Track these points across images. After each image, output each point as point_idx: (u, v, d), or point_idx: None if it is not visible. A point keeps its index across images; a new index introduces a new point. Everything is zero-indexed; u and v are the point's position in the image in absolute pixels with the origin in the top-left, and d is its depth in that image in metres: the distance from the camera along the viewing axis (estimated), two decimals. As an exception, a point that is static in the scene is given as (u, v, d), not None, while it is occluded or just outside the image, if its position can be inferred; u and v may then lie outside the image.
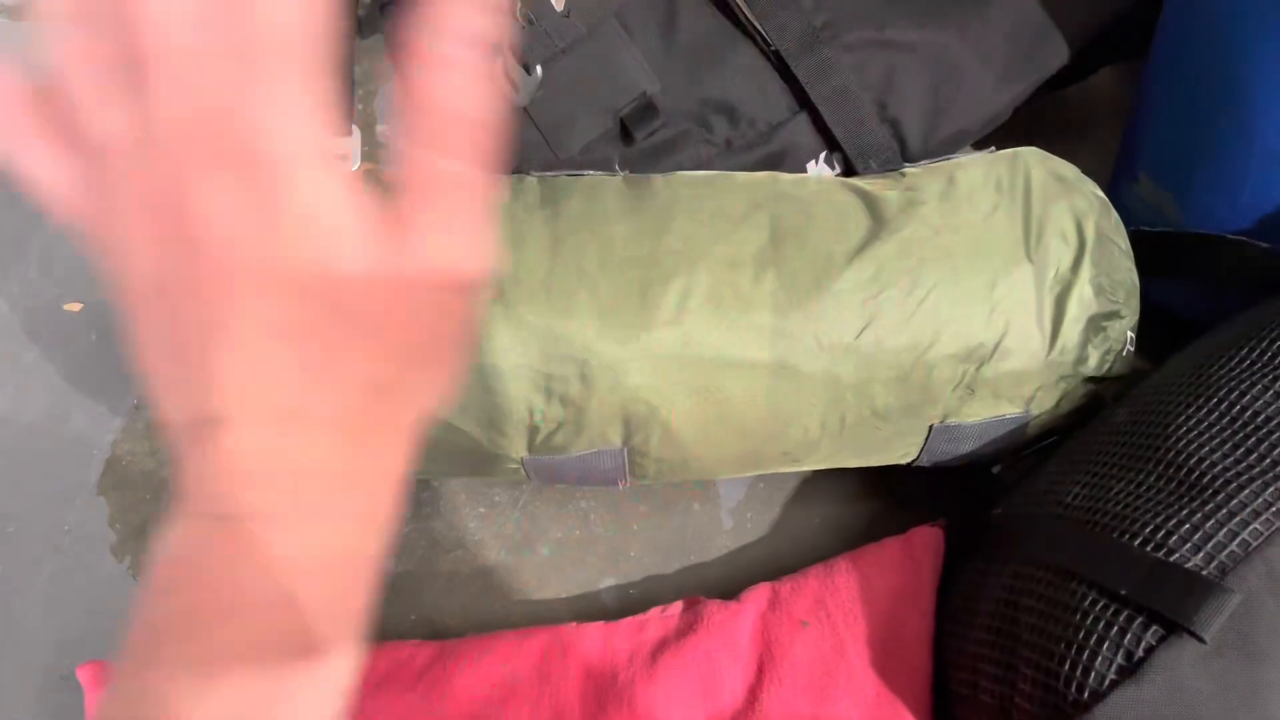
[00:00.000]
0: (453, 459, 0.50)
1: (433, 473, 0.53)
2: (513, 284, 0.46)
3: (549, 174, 0.52)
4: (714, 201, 0.50)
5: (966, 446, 0.52)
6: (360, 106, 0.70)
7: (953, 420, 0.51)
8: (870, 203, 0.50)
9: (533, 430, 0.48)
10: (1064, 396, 0.51)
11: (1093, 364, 0.49)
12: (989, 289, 0.48)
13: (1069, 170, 0.53)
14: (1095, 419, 0.51)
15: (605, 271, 0.47)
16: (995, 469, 0.55)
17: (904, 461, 0.54)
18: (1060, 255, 0.49)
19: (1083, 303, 0.49)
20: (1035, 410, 0.51)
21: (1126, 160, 0.63)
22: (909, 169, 0.53)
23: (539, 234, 0.48)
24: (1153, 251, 0.56)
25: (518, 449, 0.49)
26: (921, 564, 0.52)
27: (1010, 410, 0.50)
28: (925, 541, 0.53)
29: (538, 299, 0.46)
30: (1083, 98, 0.69)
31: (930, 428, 0.51)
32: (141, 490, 0.61)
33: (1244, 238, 0.53)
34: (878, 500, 0.62)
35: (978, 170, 0.51)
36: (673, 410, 0.48)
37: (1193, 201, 0.57)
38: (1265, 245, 0.51)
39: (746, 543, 0.62)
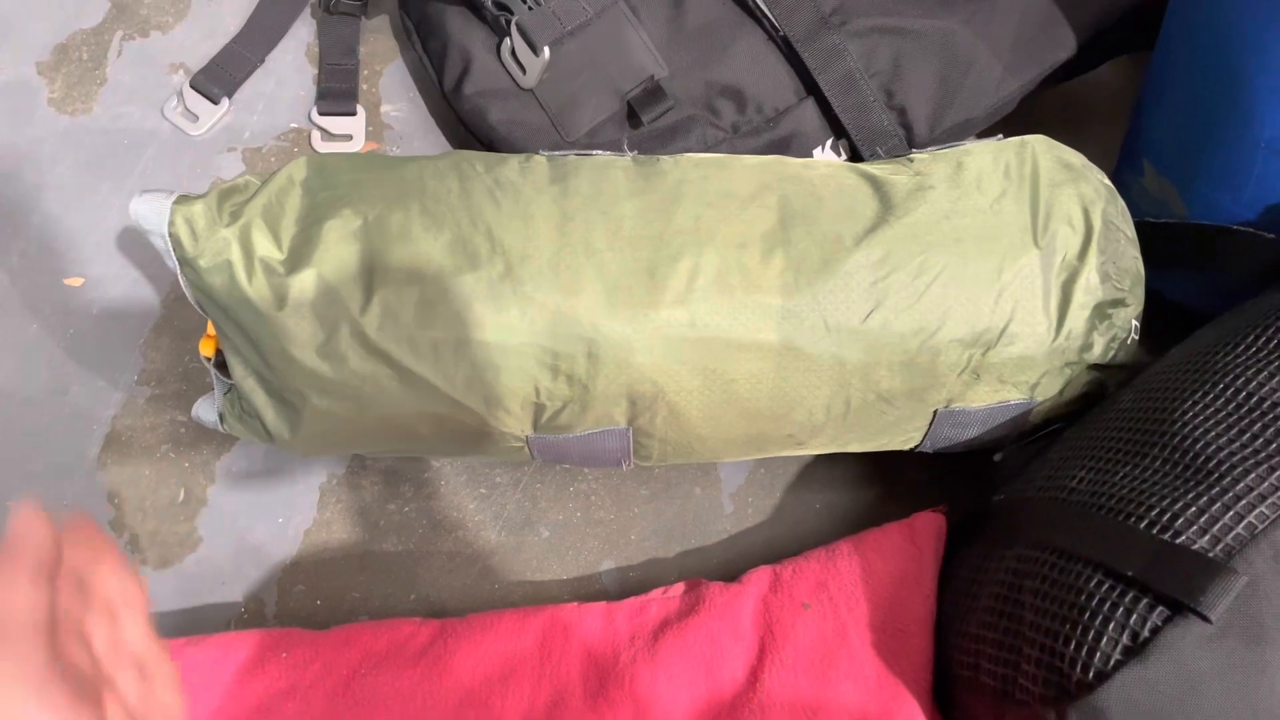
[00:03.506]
0: (457, 437, 0.50)
1: (437, 452, 0.53)
2: (520, 260, 0.46)
3: (558, 153, 0.51)
4: (723, 182, 0.50)
5: (970, 432, 0.53)
6: (365, 87, 0.69)
7: (957, 405, 0.51)
8: (879, 187, 0.50)
9: (538, 409, 0.48)
10: (1068, 384, 0.51)
11: (1098, 351, 0.50)
12: (996, 274, 0.48)
13: (1076, 158, 0.53)
14: (1099, 406, 0.51)
15: (613, 250, 0.47)
16: (997, 456, 0.55)
17: (907, 447, 0.54)
18: (1067, 242, 0.49)
19: (1089, 289, 0.49)
20: (1039, 397, 0.51)
21: (1131, 152, 0.63)
22: (917, 154, 0.53)
23: (547, 211, 0.48)
24: (1157, 243, 0.57)
25: (523, 427, 0.49)
26: (923, 548, 0.52)
27: (1014, 396, 0.51)
28: (927, 526, 0.53)
29: (545, 276, 0.46)
30: (1088, 90, 0.69)
31: (935, 413, 0.51)
32: (141, 465, 0.60)
33: (1248, 229, 0.53)
34: (878, 487, 0.62)
35: (986, 156, 0.51)
36: (679, 390, 0.48)
37: (1197, 193, 0.57)
38: (1270, 236, 0.52)
39: (747, 527, 0.62)
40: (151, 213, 0.47)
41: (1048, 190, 0.50)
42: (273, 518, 0.60)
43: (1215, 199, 0.56)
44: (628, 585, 0.60)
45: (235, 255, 0.46)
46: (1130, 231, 0.52)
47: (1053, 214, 0.49)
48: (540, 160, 0.51)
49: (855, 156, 0.61)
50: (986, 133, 0.63)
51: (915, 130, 0.60)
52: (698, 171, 0.50)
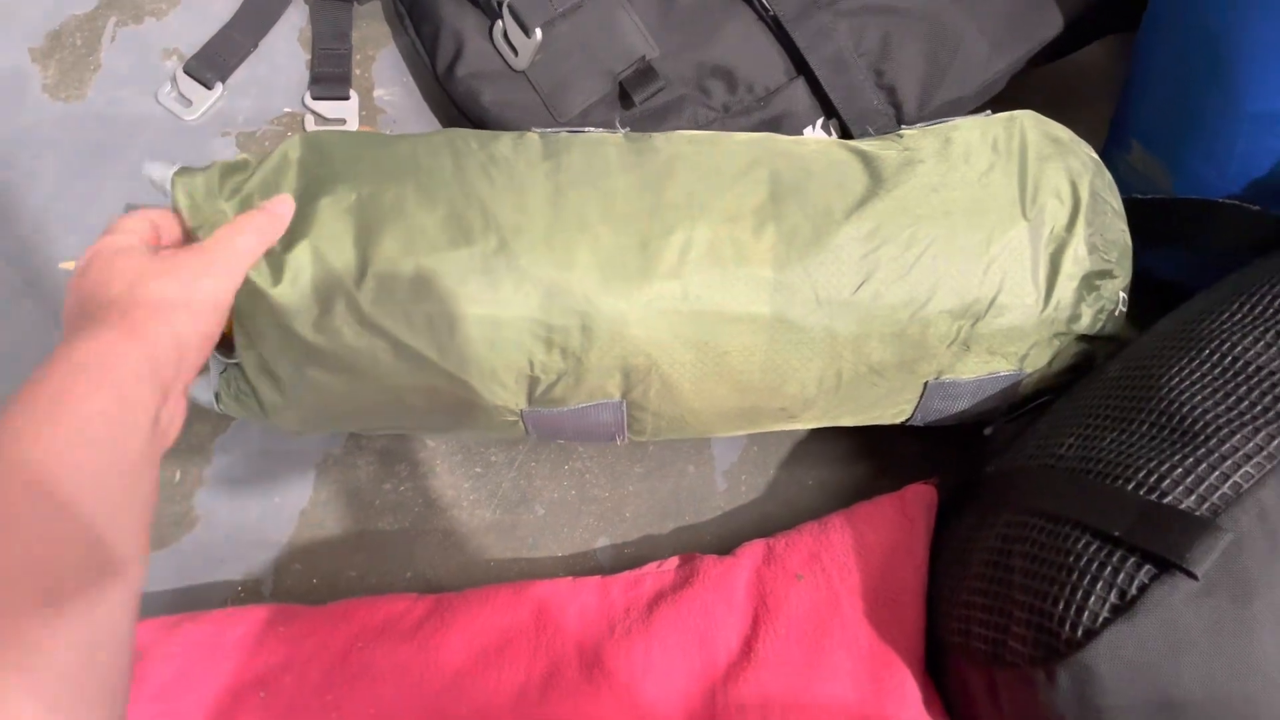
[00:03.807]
0: (452, 411, 0.50)
1: (433, 427, 0.54)
2: (514, 234, 0.46)
3: (550, 130, 0.52)
4: (714, 158, 0.50)
5: (960, 404, 0.53)
6: (358, 71, 0.70)
7: (947, 377, 0.51)
8: (868, 161, 0.51)
9: (532, 381, 0.48)
10: (1057, 354, 0.51)
11: (1086, 322, 0.50)
12: (985, 246, 0.49)
13: (1064, 132, 0.53)
14: (1087, 376, 0.51)
15: (607, 224, 0.47)
16: (987, 430, 0.55)
17: (898, 420, 0.55)
18: (1055, 214, 0.49)
19: (1077, 261, 0.49)
20: (1028, 368, 0.51)
21: (1119, 129, 0.63)
22: (906, 130, 0.53)
23: (540, 186, 0.48)
24: (1145, 219, 0.57)
25: (517, 401, 0.49)
26: (915, 519, 0.53)
27: (1004, 368, 0.51)
28: (918, 497, 0.54)
29: (539, 251, 0.46)
30: (1076, 70, 0.70)
31: (925, 384, 0.52)
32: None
33: (1234, 201, 0.53)
34: (869, 463, 0.63)
35: (974, 131, 0.52)
36: (672, 363, 0.48)
37: (1183, 168, 0.58)
38: (1255, 208, 0.52)
39: (740, 504, 0.62)
40: (164, 180, 0.47)
41: (1036, 164, 0.51)
42: (269, 498, 0.60)
43: (1201, 174, 0.57)
44: (622, 561, 0.60)
45: None
46: (1117, 204, 0.52)
47: (1041, 187, 0.50)
48: (533, 137, 0.51)
49: (846, 136, 0.61)
50: (976, 112, 0.63)
51: (905, 109, 0.60)
52: (690, 147, 0.51)
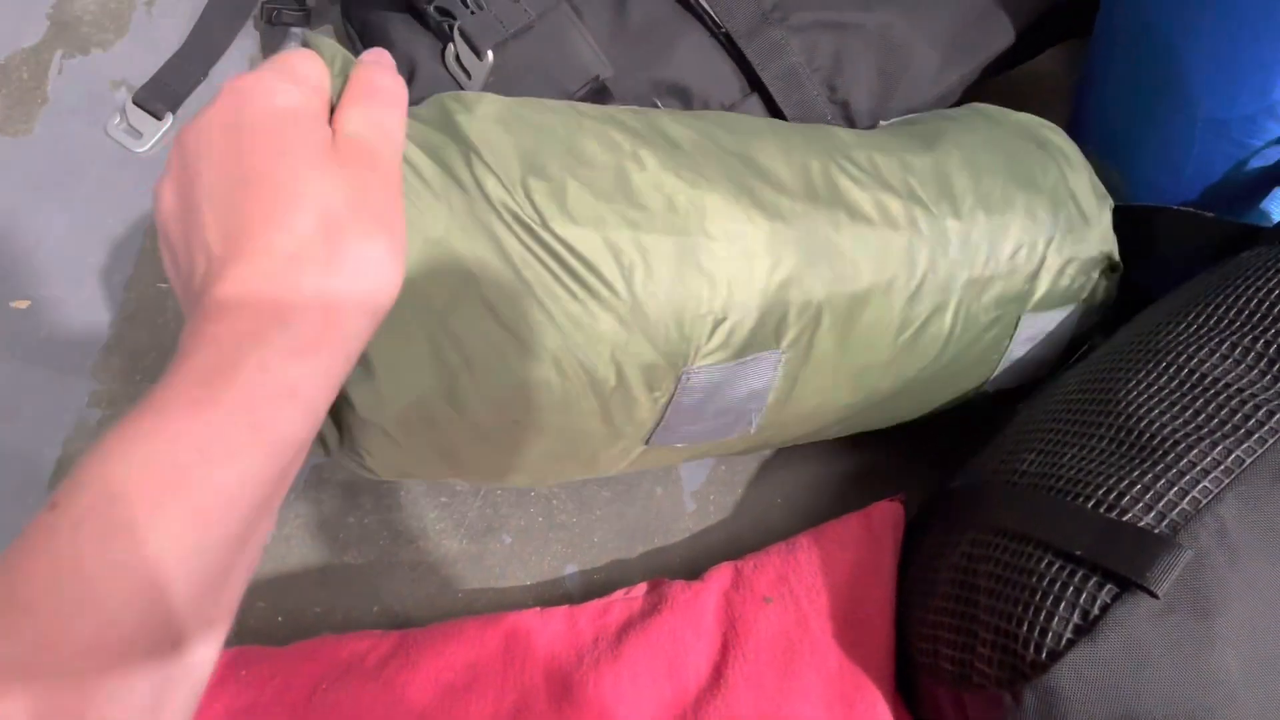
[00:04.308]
0: (578, 395, 0.43)
1: (544, 458, 0.47)
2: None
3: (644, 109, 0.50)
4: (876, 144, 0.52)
5: (1040, 350, 0.56)
6: (311, 98, 0.69)
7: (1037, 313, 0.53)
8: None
9: (718, 321, 0.43)
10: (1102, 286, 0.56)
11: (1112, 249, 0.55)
12: (1037, 182, 0.53)
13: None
14: (1046, 389, 0.51)
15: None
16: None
17: (985, 376, 0.55)
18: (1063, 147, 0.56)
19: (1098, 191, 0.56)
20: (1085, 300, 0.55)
21: (1074, 137, 0.64)
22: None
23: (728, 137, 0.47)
24: (1102, 226, 0.57)
25: (688, 352, 0.43)
26: (882, 538, 0.53)
27: (1071, 301, 0.54)
28: (885, 516, 0.54)
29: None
30: (1030, 78, 0.70)
31: (1018, 318, 0.53)
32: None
33: (1189, 208, 0.54)
34: (836, 480, 0.63)
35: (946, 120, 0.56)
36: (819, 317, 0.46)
37: (1139, 175, 0.58)
38: (1209, 214, 0.52)
39: (709, 525, 0.62)
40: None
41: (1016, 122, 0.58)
42: (231, 535, 0.59)
43: (1156, 180, 0.57)
44: (592, 588, 0.60)
45: None
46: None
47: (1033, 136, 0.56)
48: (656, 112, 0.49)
49: (802, 151, 0.61)
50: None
51: (858, 124, 0.60)
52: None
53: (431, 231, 0.38)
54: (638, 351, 0.42)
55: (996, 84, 0.66)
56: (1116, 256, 0.55)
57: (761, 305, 0.44)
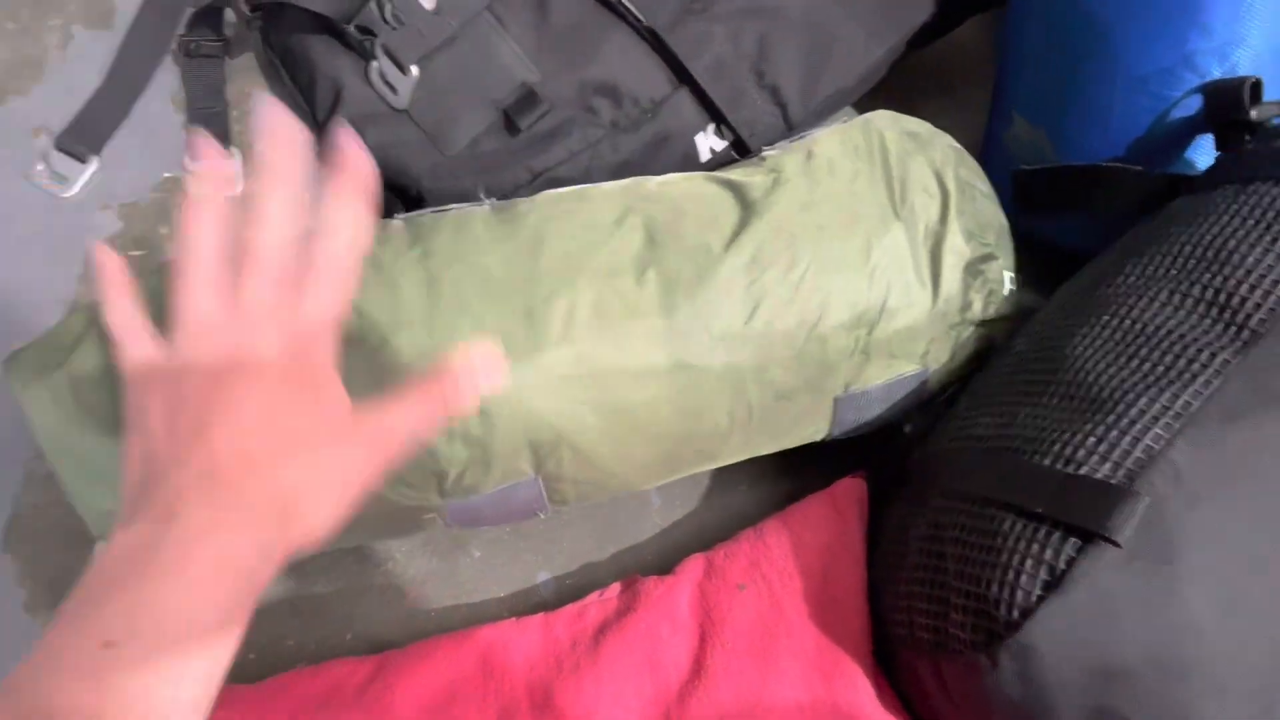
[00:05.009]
0: (372, 524, 0.48)
1: (362, 537, 0.52)
2: (393, 331, 0.45)
3: (413, 214, 0.50)
4: (583, 214, 0.49)
5: (873, 411, 0.53)
6: (238, 128, 0.68)
7: (855, 388, 0.51)
8: (736, 190, 0.51)
9: (440, 476, 0.47)
10: (958, 346, 0.52)
11: (977, 309, 0.51)
12: (865, 253, 0.49)
13: (921, 126, 0.54)
14: (996, 354, 0.52)
15: (486, 301, 0.46)
16: (907, 428, 0.55)
17: (818, 438, 0.55)
18: (927, 209, 0.50)
19: (956, 251, 0.50)
20: (932, 364, 0.52)
21: (1000, 105, 0.64)
22: (768, 152, 0.53)
23: (412, 275, 0.46)
24: (1033, 189, 0.58)
25: (430, 498, 0.48)
26: (848, 515, 0.53)
27: (908, 368, 0.51)
28: (849, 493, 0.54)
29: (420, 341, 0.45)
30: (956, 52, 0.71)
31: (835, 400, 0.52)
32: (51, 541, 0.58)
33: (1117, 164, 0.54)
34: (799, 459, 0.63)
35: (833, 141, 0.52)
36: (579, 430, 0.47)
37: (1066, 136, 0.59)
38: (1137, 169, 0.53)
39: (677, 518, 0.62)
40: None
41: (899, 163, 0.51)
42: (195, 576, 0.58)
43: (1084, 140, 0.58)
44: (565, 593, 0.60)
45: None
46: (986, 187, 0.53)
47: (908, 184, 0.50)
48: (396, 225, 0.49)
49: (736, 141, 0.61)
50: (862, 102, 0.64)
51: (790, 109, 0.60)
52: (557, 207, 0.50)
53: None
54: (378, 507, 0.46)
55: (925, 60, 0.66)
56: (976, 316, 0.52)
57: (484, 455, 0.47)
